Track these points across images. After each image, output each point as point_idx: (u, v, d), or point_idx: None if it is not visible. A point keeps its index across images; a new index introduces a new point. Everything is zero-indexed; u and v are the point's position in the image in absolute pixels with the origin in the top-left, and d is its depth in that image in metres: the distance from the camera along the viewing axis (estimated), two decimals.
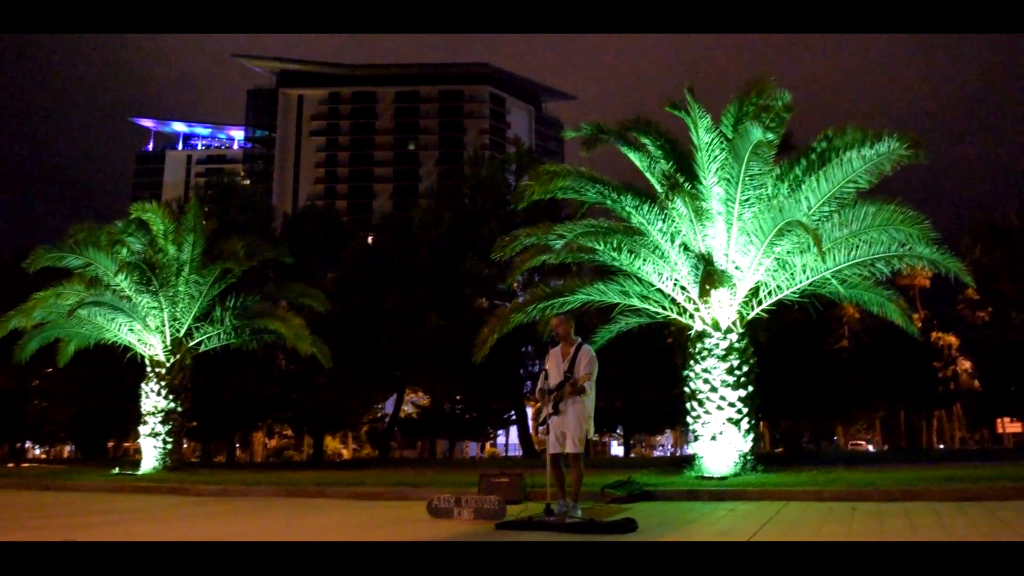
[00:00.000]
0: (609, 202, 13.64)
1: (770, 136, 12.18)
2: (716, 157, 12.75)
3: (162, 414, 19.92)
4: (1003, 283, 30.97)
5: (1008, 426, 49.85)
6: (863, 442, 66.01)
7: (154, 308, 20.00)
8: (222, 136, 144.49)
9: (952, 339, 47.82)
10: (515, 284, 27.94)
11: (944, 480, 9.66)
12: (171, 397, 20.11)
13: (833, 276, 12.90)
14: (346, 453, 61.94)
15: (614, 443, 70.58)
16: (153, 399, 20.01)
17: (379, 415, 45.84)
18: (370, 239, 41.99)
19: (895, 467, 14.50)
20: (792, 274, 13.19)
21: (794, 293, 13.37)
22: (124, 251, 19.71)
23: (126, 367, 21.99)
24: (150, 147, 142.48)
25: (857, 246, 12.60)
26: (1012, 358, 32.49)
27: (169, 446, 19.90)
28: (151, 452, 19.80)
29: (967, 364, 47.43)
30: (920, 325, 38.03)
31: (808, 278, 13.11)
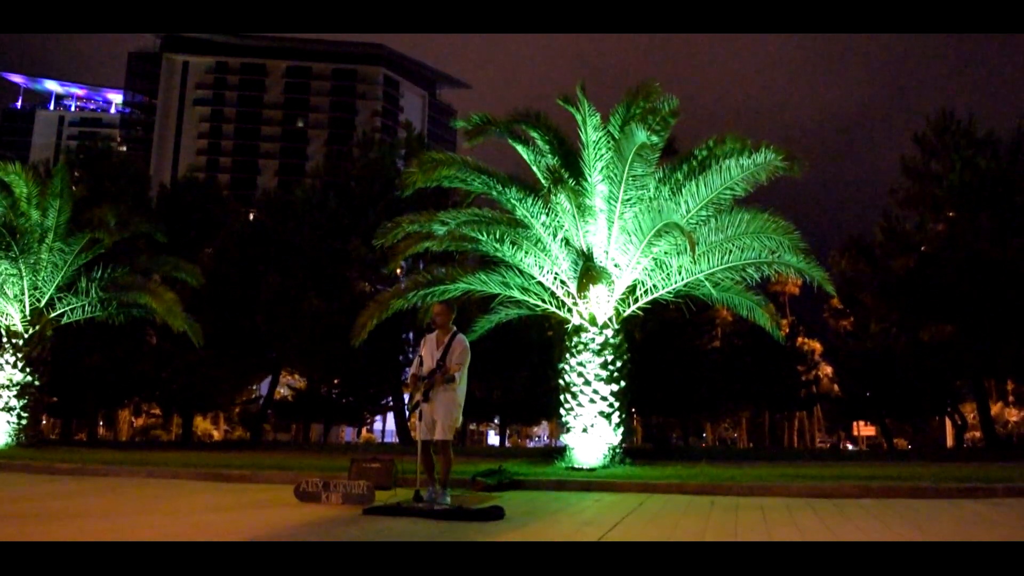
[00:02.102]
0: (495, 193, 13.70)
1: (655, 139, 12.45)
2: (602, 156, 12.98)
3: (17, 387, 18.93)
4: (865, 295, 32.60)
5: (863, 429, 52.99)
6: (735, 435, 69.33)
7: (13, 275, 18.96)
8: (99, 99, 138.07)
9: (816, 345, 50.35)
10: (398, 270, 27.74)
11: (798, 478, 10.15)
12: (28, 370, 19.13)
13: (707, 278, 13.33)
14: (217, 434, 60.29)
15: (491, 432, 71.17)
16: (8, 371, 18.98)
17: (253, 396, 44.73)
18: (252, 215, 40.87)
19: (756, 464, 15.12)
20: (668, 274, 13.55)
21: (669, 293, 13.74)
22: None
23: None
24: (18, 105, 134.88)
25: (731, 251, 13.05)
26: (869, 366, 34.38)
27: (24, 421, 18.94)
28: (4, 428, 18.76)
29: (828, 369, 49.99)
30: (787, 330, 39.76)
31: (683, 279, 13.49)
